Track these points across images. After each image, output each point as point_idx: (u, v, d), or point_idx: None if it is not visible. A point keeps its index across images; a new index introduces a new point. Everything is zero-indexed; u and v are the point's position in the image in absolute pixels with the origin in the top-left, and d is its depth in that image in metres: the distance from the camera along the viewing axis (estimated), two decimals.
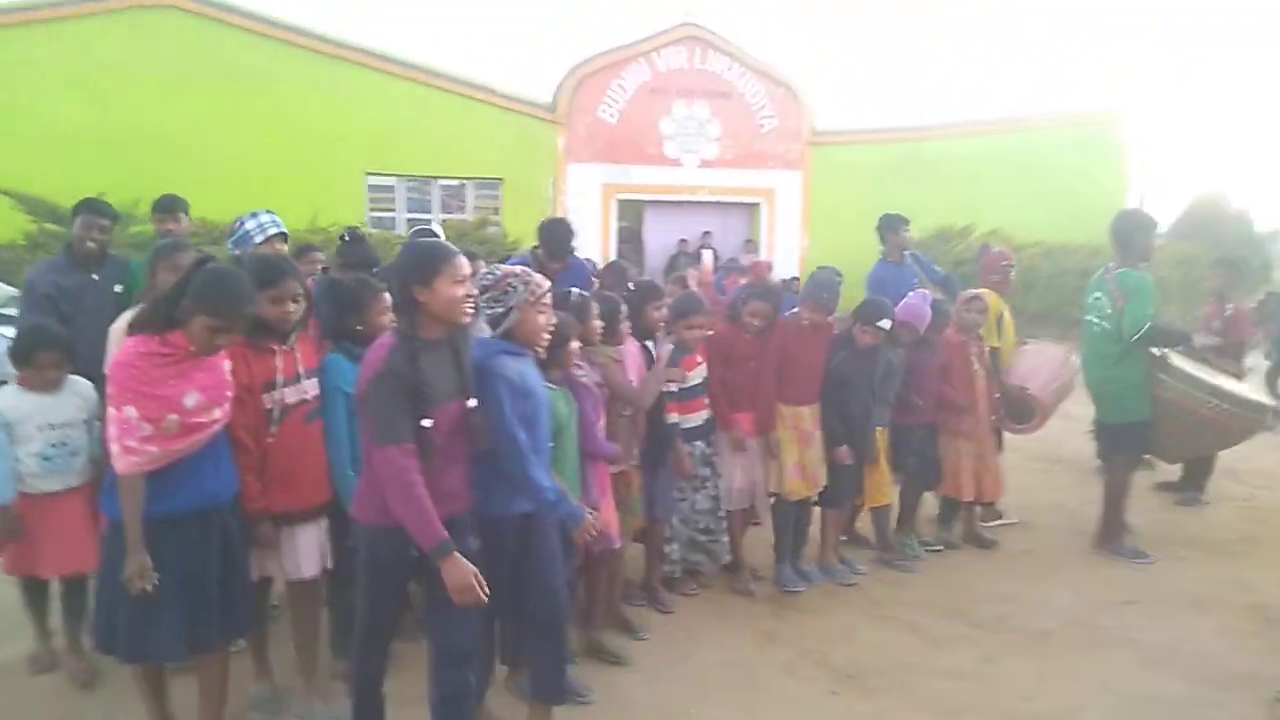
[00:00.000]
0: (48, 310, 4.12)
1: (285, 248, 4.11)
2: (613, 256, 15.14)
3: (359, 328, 3.20)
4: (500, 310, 2.84)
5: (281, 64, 13.28)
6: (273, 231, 4.02)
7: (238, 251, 4.00)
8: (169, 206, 4.75)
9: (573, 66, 14.67)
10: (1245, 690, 3.62)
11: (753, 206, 15.97)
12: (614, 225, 15.16)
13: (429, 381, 2.51)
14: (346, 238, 4.26)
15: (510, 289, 2.83)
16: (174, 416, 2.61)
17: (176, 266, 3.13)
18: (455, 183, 14.66)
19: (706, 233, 15.45)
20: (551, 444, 3.07)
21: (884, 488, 5.01)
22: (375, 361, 2.52)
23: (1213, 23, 47.56)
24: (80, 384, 3.46)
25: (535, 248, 5.25)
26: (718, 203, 15.66)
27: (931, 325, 5.01)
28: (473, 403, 2.66)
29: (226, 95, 12.87)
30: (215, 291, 2.67)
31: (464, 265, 2.60)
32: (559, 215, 14.50)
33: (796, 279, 15.47)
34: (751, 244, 15.65)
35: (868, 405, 4.73)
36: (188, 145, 12.37)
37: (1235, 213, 17.48)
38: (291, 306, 2.98)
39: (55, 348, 3.37)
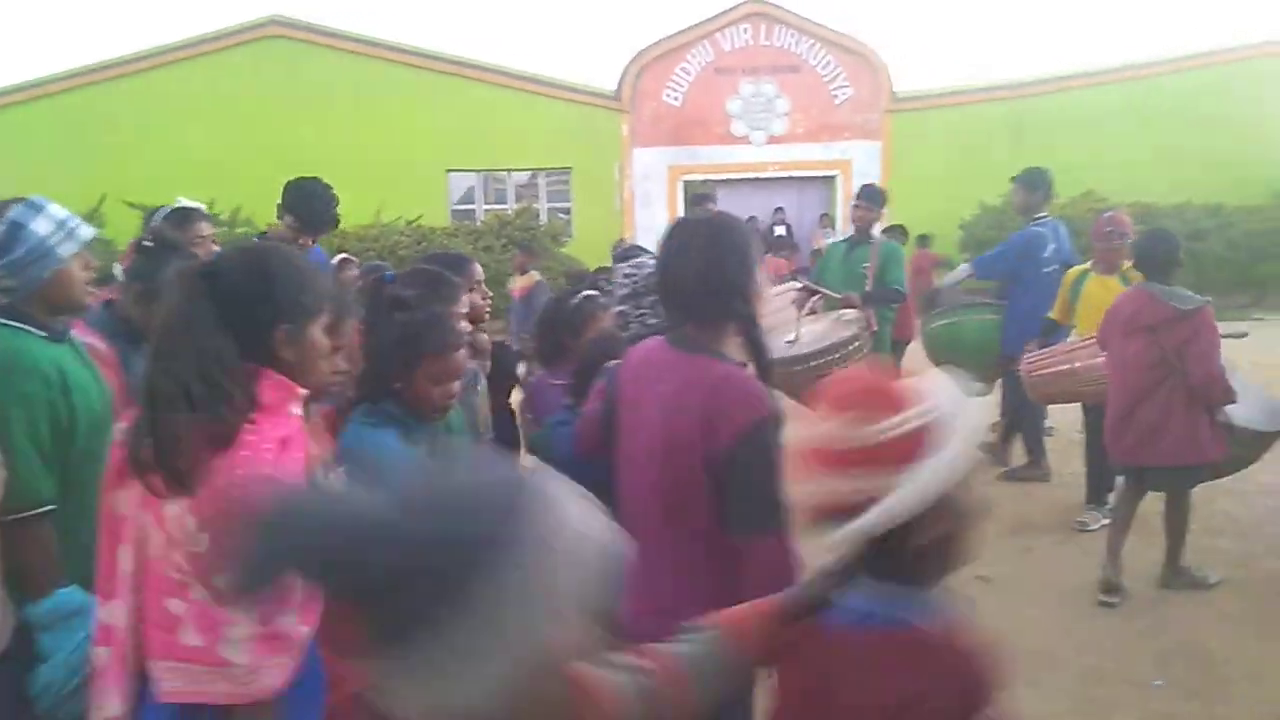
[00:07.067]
0: None
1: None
2: None
3: (399, 385, 1.93)
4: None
5: (371, 77, 14.53)
6: (88, 235, 2.12)
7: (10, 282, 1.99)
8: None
9: (636, 53, 15.02)
10: None
11: (829, 180, 15.74)
12: (680, 207, 15.43)
13: None
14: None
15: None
16: None
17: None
18: (528, 174, 15.40)
19: (778, 209, 15.38)
20: None
21: None
22: (753, 399, 1.60)
23: None
24: None
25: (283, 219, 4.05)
26: (792, 178, 15.56)
27: None
28: None
29: (323, 110, 14.21)
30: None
31: None
32: (618, 200, 14.95)
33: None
34: (827, 218, 15.45)
35: None
36: (289, 159, 13.72)
37: None
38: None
39: None
